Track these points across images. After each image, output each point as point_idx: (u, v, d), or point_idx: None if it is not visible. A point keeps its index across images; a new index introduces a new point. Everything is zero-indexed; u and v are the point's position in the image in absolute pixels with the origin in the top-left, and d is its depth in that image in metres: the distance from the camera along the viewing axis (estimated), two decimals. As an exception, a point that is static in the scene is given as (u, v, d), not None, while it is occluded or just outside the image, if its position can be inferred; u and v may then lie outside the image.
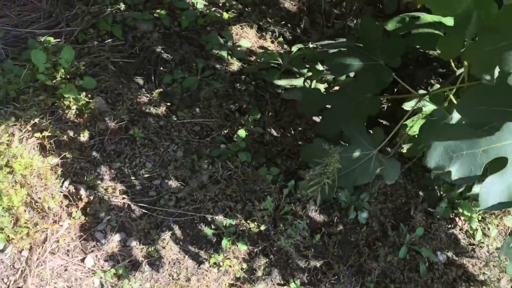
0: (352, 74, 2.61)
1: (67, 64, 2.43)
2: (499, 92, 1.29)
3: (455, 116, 2.20)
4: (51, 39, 2.57)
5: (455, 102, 2.30)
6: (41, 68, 2.37)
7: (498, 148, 1.25)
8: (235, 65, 2.93)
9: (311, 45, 3.03)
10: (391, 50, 2.37)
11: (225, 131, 2.59)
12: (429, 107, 2.36)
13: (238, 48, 3.03)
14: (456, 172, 1.30)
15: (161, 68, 2.78)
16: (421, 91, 2.49)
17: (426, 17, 2.47)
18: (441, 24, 2.40)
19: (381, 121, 2.79)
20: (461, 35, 1.90)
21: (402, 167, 2.47)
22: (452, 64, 2.40)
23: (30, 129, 2.23)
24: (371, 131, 2.67)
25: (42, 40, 2.56)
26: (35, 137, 2.21)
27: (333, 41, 2.84)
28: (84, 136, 2.36)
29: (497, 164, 1.25)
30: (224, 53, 2.94)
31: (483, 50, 1.60)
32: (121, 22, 2.85)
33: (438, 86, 2.59)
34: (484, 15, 1.74)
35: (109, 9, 2.82)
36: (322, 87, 2.79)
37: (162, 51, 2.85)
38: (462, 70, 2.29)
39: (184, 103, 2.66)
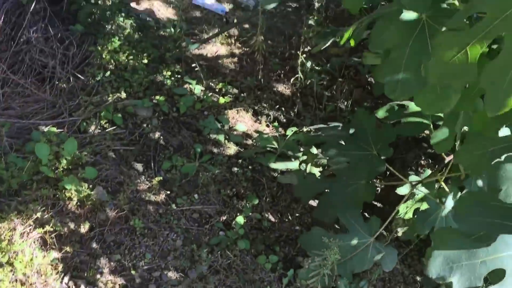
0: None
1: (70, 156, 2.49)
2: (491, 204, 1.36)
3: (448, 206, 2.28)
4: (54, 129, 2.65)
5: (446, 189, 2.39)
6: (44, 160, 2.43)
7: (496, 259, 1.30)
8: (232, 149, 3.02)
9: (305, 129, 3.14)
10: (383, 140, 2.48)
11: (224, 218, 2.63)
12: (421, 193, 2.44)
13: (235, 132, 3.13)
14: (457, 283, 1.35)
15: (160, 154, 2.86)
16: (413, 177, 2.57)
17: (413, 106, 2.61)
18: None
19: (375, 203, 2.85)
20: (452, 131, 2.01)
21: (399, 253, 2.51)
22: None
23: (32, 223, 2.25)
24: (366, 214, 2.73)
25: (45, 130, 2.64)
26: (37, 231, 2.23)
27: (326, 126, 2.96)
28: (85, 228, 2.38)
29: (496, 275, 1.30)
30: (221, 138, 3.04)
31: (473, 154, 1.70)
32: (121, 109, 2.95)
33: (429, 171, 2.68)
34: (471, 113, 1.86)
35: (110, 98, 2.92)
36: (317, 171, 2.87)
37: (161, 137, 2.94)
38: (451, 157, 2.40)
39: (183, 189, 2.71)
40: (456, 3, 1.61)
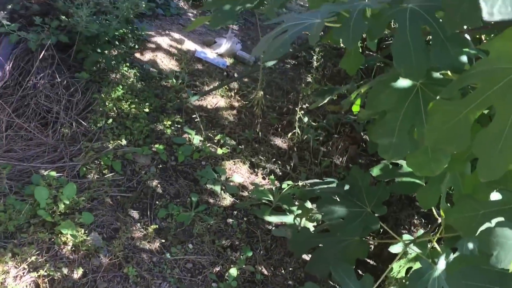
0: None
1: (68, 200, 2.51)
2: (483, 268, 1.40)
3: (440, 267, 2.31)
4: (54, 173, 2.68)
5: (439, 249, 2.42)
6: (42, 204, 2.45)
7: (486, 323, 1.33)
8: (228, 200, 3.06)
9: (300, 183, 3.20)
10: (377, 198, 2.53)
11: (217, 269, 2.63)
12: (414, 252, 2.47)
13: (231, 183, 3.18)
14: None
15: (157, 202, 2.88)
16: (406, 236, 2.61)
17: (407, 167, 2.68)
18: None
19: (368, 260, 2.87)
20: (437, 189, 2.08)
21: (391, 312, 2.50)
22: (434, 211, 2.55)
23: (26, 267, 2.24)
24: (359, 271, 2.74)
25: (45, 174, 2.67)
26: (30, 275, 2.22)
27: (321, 181, 3.03)
28: (78, 274, 2.37)
29: None
30: (217, 188, 3.08)
31: (463, 216, 1.75)
32: (121, 156, 3.01)
33: (422, 231, 2.72)
34: (459, 174, 1.93)
35: (111, 144, 2.98)
36: (311, 225, 2.90)
37: (159, 185, 2.98)
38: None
39: (178, 238, 2.72)
40: (449, 73, 1.71)
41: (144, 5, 3.79)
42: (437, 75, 1.69)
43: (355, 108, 2.06)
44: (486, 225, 1.37)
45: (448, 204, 2.18)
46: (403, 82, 1.70)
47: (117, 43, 3.73)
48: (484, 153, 1.26)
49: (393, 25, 2.34)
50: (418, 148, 1.59)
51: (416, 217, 3.19)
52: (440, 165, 1.75)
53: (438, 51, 1.42)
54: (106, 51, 3.57)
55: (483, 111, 1.32)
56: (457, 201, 1.80)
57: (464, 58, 1.46)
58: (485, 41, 2.41)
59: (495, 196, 1.77)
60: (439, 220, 2.57)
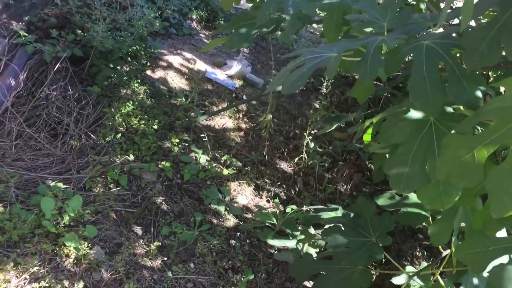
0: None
1: (73, 213, 2.52)
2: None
3: (444, 300, 2.29)
4: (61, 185, 2.69)
5: (442, 283, 2.41)
6: (47, 214, 2.45)
7: None
8: (231, 221, 3.05)
9: (304, 208, 3.20)
10: (381, 228, 2.53)
11: (218, 291, 2.62)
12: (417, 284, 2.46)
13: (235, 204, 3.18)
14: None
15: (161, 219, 2.88)
16: (409, 268, 2.60)
17: (414, 197, 2.69)
18: (428, 206, 2.60)
19: (370, 290, 2.85)
20: (449, 225, 2.08)
21: None
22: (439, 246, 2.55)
23: (27, 277, 2.23)
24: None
25: (52, 185, 2.68)
26: (31, 286, 2.21)
27: (325, 207, 3.03)
28: (78, 287, 2.35)
29: None
30: (221, 208, 3.08)
31: (473, 251, 1.76)
32: (128, 171, 3.02)
33: (425, 263, 2.71)
34: (470, 210, 1.94)
35: (118, 159, 3.00)
36: (313, 251, 2.89)
37: (163, 202, 2.98)
38: (448, 251, 2.44)
39: (180, 257, 2.71)
40: (461, 108, 1.74)
41: (158, 24, 3.86)
42: (450, 109, 1.72)
43: (367, 137, 2.08)
44: (499, 260, 1.37)
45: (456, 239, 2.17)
46: (416, 116, 1.72)
47: (129, 59, 3.78)
48: (497, 189, 1.27)
49: (408, 58, 2.38)
50: (429, 182, 1.60)
51: (418, 249, 3.18)
52: (451, 199, 1.76)
53: (454, 87, 1.44)
54: (118, 67, 3.62)
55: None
56: (468, 236, 1.80)
57: (479, 94, 1.48)
58: (491, 78, 2.45)
59: (504, 232, 1.78)
60: (443, 254, 2.57)
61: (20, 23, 3.36)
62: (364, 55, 1.48)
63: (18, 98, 3.08)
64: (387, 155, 2.04)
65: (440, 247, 2.58)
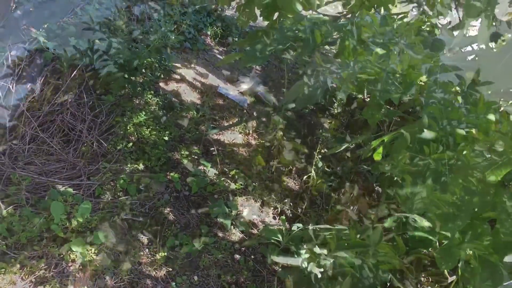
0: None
1: (82, 218, 2.53)
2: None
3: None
4: (71, 190, 2.72)
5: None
6: (56, 219, 2.47)
7: None
8: (237, 235, 3.06)
9: (310, 227, 3.19)
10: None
11: (220, 305, 2.61)
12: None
13: (241, 219, 3.18)
14: None
15: (167, 230, 2.89)
16: (414, 292, 2.58)
17: (422, 222, 2.68)
18: (435, 231, 2.59)
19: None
20: (457, 250, 2.08)
21: None
22: (446, 272, 2.54)
23: (33, 280, 2.24)
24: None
25: (62, 190, 2.70)
26: (36, 289, 2.22)
27: (331, 227, 3.02)
28: (82, 293, 2.36)
29: None
30: (227, 222, 3.08)
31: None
32: (137, 180, 3.04)
33: (430, 288, 2.69)
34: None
35: (128, 168, 3.02)
36: (318, 271, 2.87)
37: (170, 213, 2.99)
38: (454, 277, 2.43)
39: (184, 269, 2.71)
40: (473, 131, 1.75)
41: (173, 38, 3.92)
42: (462, 132, 1.74)
43: (377, 156, 2.10)
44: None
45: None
46: (427, 135, 1.74)
47: (143, 70, 3.83)
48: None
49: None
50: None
51: (423, 274, 3.15)
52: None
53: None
54: (133, 77, 3.67)
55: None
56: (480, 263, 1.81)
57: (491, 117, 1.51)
58: None
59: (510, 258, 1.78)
60: (449, 280, 2.55)
61: (40, 30, 3.43)
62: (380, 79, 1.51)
63: (34, 102, 3.13)
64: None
65: (446, 272, 2.56)
